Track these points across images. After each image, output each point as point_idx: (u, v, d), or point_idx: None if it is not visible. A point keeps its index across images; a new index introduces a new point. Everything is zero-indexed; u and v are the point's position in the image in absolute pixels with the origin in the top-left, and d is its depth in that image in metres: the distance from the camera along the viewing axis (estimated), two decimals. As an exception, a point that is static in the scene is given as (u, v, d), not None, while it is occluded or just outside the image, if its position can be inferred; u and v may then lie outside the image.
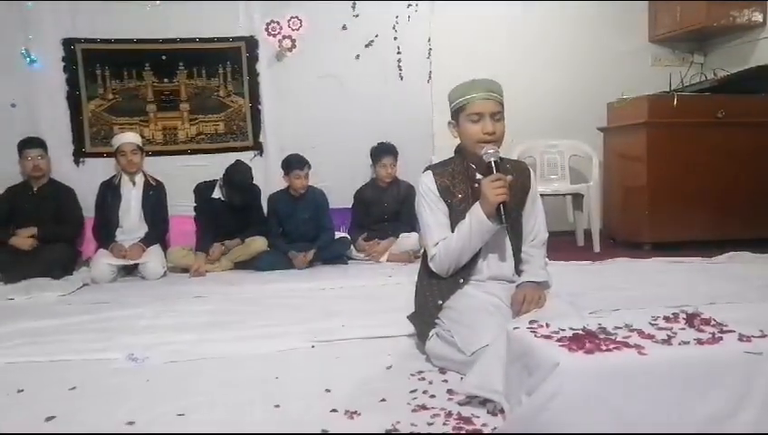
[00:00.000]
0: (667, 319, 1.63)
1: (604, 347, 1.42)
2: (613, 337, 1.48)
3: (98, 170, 4.82)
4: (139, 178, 4.52)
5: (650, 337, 1.49)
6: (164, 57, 5.00)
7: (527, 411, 1.38)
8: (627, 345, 1.43)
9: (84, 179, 4.78)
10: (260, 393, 1.87)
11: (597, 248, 4.82)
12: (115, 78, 4.98)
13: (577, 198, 5.14)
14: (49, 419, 1.72)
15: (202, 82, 5.07)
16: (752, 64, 5.16)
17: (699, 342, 1.45)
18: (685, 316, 1.63)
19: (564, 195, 5.24)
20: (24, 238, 4.18)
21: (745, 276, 3.57)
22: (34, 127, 4.77)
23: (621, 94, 5.08)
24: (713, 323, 1.58)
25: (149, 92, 5.02)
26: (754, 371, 1.38)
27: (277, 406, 1.75)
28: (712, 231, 4.74)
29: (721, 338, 1.47)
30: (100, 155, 4.93)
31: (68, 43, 4.87)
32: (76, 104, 4.93)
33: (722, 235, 4.68)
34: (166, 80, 5.03)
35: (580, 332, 1.52)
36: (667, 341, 1.47)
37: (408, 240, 4.60)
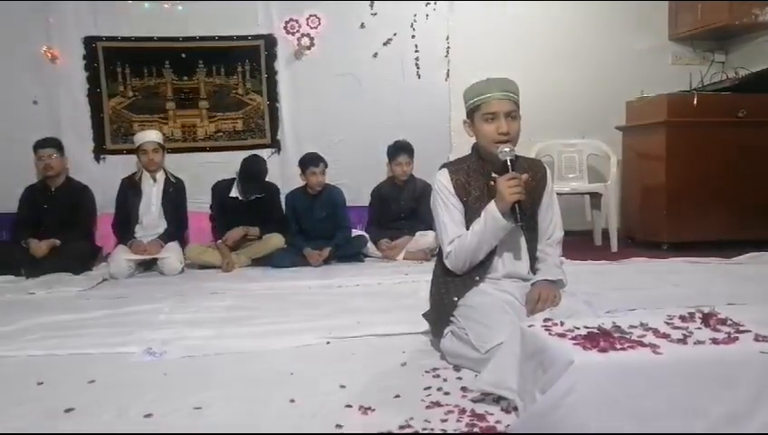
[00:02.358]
0: (682, 318, 1.62)
1: (619, 346, 1.41)
2: (628, 336, 1.48)
3: (118, 167, 4.89)
4: (160, 176, 4.56)
5: (665, 336, 1.48)
6: (183, 55, 5.06)
7: (541, 409, 1.38)
8: (641, 344, 1.43)
9: (105, 176, 4.88)
10: (275, 388, 1.88)
11: (614, 248, 4.80)
12: (135, 76, 5.04)
13: (595, 198, 5.11)
14: (68, 411, 1.75)
15: (221, 80, 5.11)
16: (775, 63, 5.11)
17: (715, 341, 1.45)
18: (701, 316, 1.62)
19: (582, 194, 5.21)
20: (40, 246, 4.22)
21: (764, 277, 3.53)
22: (55, 124, 4.86)
23: (641, 93, 5.05)
24: (729, 322, 1.57)
25: (169, 90, 5.08)
26: (770, 370, 1.37)
27: (292, 401, 1.77)
28: (731, 232, 4.70)
29: (737, 338, 1.46)
30: (120, 152, 5.01)
31: (89, 42, 4.95)
32: (97, 102, 5.00)
33: (741, 235, 4.63)
34: (185, 77, 5.08)
35: (595, 330, 1.51)
36: (683, 340, 1.46)
37: (424, 238, 4.60)
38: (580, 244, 4.86)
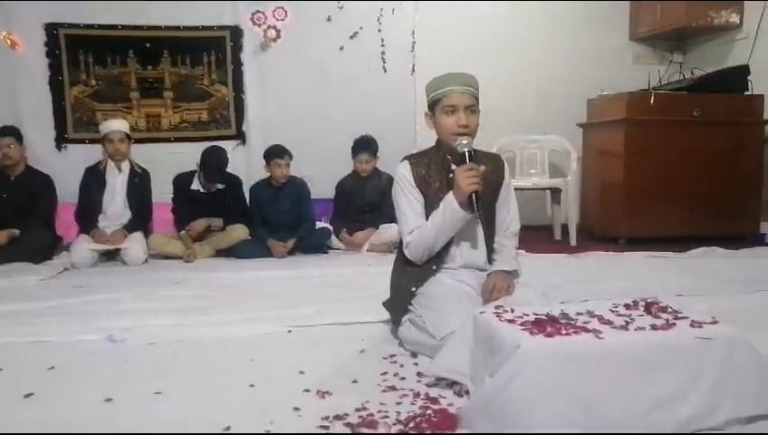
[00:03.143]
0: (627, 306, 1.71)
1: (564, 331, 1.48)
2: (574, 322, 1.55)
3: (80, 157, 4.83)
4: (125, 166, 4.52)
5: (609, 323, 1.56)
6: (148, 44, 5.03)
7: (489, 391, 1.44)
8: (586, 330, 1.50)
9: (66, 166, 4.83)
10: (235, 374, 1.92)
11: (573, 242, 4.91)
12: (98, 64, 4.99)
13: (555, 193, 5.22)
14: (27, 396, 1.76)
15: (186, 71, 5.10)
16: (729, 64, 5.27)
17: (654, 327, 1.52)
18: (643, 304, 1.70)
19: (543, 189, 5.32)
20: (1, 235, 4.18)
21: (714, 271, 3.66)
22: (15, 112, 4.78)
23: (601, 91, 5.18)
24: (669, 310, 1.65)
25: (133, 79, 5.05)
26: (704, 355, 1.45)
27: (252, 386, 1.80)
28: (686, 227, 4.85)
29: (674, 324, 1.54)
30: (82, 141, 4.96)
31: (50, 28, 4.88)
32: (58, 90, 4.94)
33: (695, 231, 4.79)
34: (150, 67, 5.06)
35: (543, 317, 1.58)
36: (625, 326, 1.53)
37: (388, 231, 4.63)
38: (540, 238, 4.97)
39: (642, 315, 1.63)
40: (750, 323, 1.82)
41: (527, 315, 1.60)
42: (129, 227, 4.39)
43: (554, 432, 1.35)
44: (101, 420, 1.60)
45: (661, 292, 2.80)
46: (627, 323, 1.56)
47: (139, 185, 4.54)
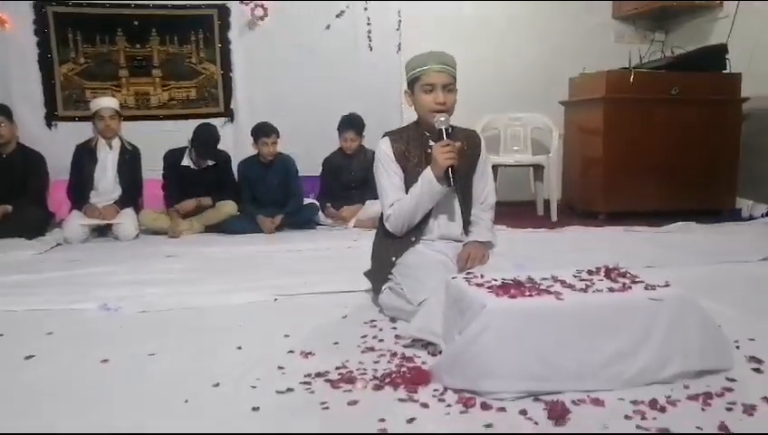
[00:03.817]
0: (589, 272, 1.83)
1: (528, 293, 1.61)
2: (537, 286, 1.67)
3: (70, 134, 4.89)
4: (116, 143, 4.58)
5: (570, 286, 1.68)
6: (136, 22, 5.09)
7: (458, 347, 1.57)
8: (548, 292, 1.62)
9: (56, 143, 4.89)
10: (224, 338, 2.04)
11: (554, 217, 5.03)
12: (87, 42, 5.05)
13: (538, 169, 5.34)
14: (28, 358, 1.88)
15: (174, 49, 5.16)
16: (709, 43, 5.37)
17: (611, 290, 1.65)
18: (604, 270, 1.83)
19: (526, 166, 5.43)
20: None
21: (686, 244, 3.80)
22: (5, 91, 4.84)
23: (583, 69, 5.27)
24: (627, 275, 1.78)
25: (122, 57, 5.11)
26: (655, 314, 1.58)
27: (239, 348, 1.93)
28: (664, 203, 4.96)
29: (630, 287, 1.67)
30: (72, 119, 5.03)
31: (39, 6, 4.93)
32: (48, 68, 5.00)
33: (674, 206, 4.91)
34: (138, 45, 5.12)
35: (510, 281, 1.71)
36: (584, 289, 1.66)
37: (374, 207, 4.70)
38: (522, 213, 5.09)
39: (602, 280, 1.76)
40: (705, 290, 1.94)
41: (495, 280, 1.73)
42: (121, 203, 4.47)
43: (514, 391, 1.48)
44: (99, 379, 1.72)
45: (632, 264, 2.94)
46: (587, 286, 1.68)
47: (130, 162, 4.61)
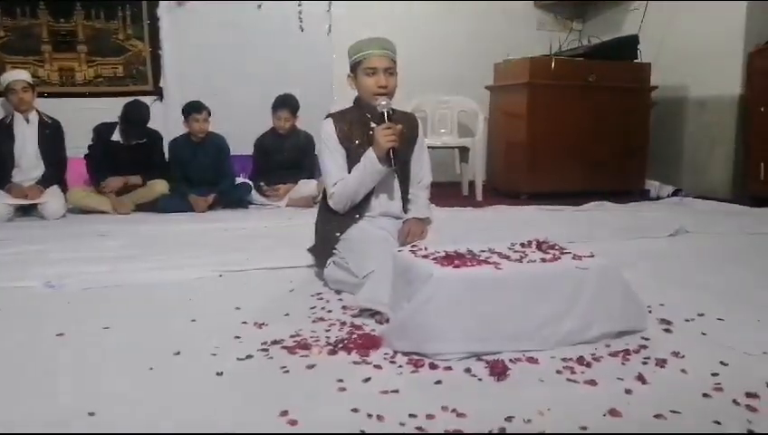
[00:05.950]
0: (522, 245, 2.00)
1: (469, 263, 1.76)
2: (477, 257, 1.83)
3: (-10, 110, 4.73)
4: (33, 117, 4.47)
5: (507, 257, 1.84)
6: (60, -5, 4.92)
7: (407, 313, 1.70)
8: (487, 263, 1.78)
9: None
10: (177, 311, 2.10)
11: (479, 197, 5.26)
12: (7, 15, 4.87)
13: (464, 152, 5.55)
14: (-21, 334, 1.89)
15: (100, 24, 5.05)
16: (622, 33, 5.71)
17: (543, 260, 1.82)
18: (536, 243, 2.01)
19: (452, 148, 5.63)
20: None
21: (603, 222, 4.09)
22: None
23: (507, 56, 5.50)
24: (556, 247, 1.96)
25: (45, 32, 4.95)
26: (582, 281, 1.76)
27: (193, 320, 2.00)
28: (582, 183, 5.28)
29: (560, 258, 1.85)
30: (-10, 94, 4.83)
31: (-46, -25, 4.70)
32: (-36, 41, 4.78)
33: (590, 187, 5.23)
34: (62, 20, 4.97)
35: (452, 253, 1.85)
36: (519, 260, 1.82)
37: (307, 186, 4.83)
38: (449, 193, 5.29)
39: (534, 252, 1.93)
40: (620, 262, 2.15)
41: (439, 252, 1.87)
42: (46, 181, 4.38)
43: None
44: (58, 351, 1.75)
45: (555, 239, 3.17)
46: (521, 257, 1.85)
47: (51, 136, 4.49)
